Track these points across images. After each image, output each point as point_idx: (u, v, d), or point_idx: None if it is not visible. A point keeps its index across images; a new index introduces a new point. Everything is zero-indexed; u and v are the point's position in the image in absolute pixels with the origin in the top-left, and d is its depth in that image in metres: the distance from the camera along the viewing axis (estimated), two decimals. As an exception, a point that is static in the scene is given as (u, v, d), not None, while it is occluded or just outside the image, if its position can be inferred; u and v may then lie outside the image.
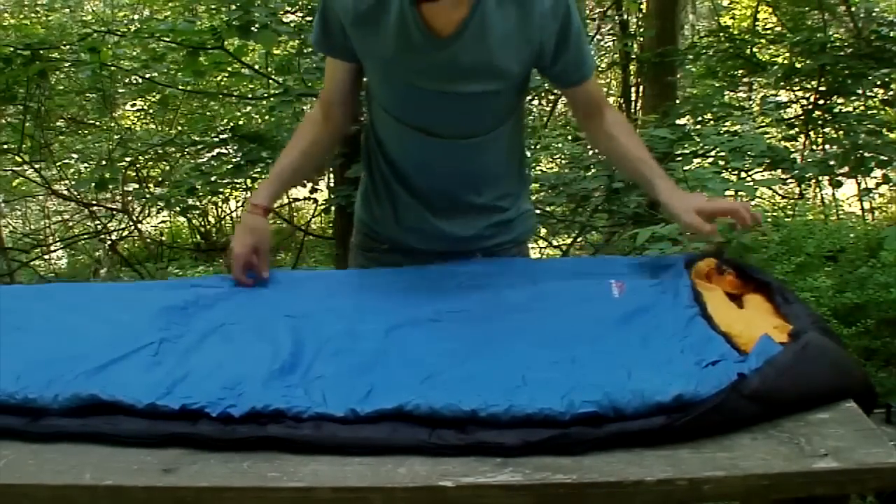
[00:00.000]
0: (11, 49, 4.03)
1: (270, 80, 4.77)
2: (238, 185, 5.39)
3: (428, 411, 1.07)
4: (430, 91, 1.52)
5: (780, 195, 5.10)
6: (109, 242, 5.50)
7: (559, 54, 1.52)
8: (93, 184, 4.65)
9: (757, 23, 6.69)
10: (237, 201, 6.32)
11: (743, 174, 3.91)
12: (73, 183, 5.49)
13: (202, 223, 7.10)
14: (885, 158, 3.90)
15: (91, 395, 1.12)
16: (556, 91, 4.39)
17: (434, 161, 1.62)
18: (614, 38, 7.22)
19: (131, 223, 5.56)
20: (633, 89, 6.87)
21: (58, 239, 6.18)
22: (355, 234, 1.84)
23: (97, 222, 5.54)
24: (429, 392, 1.10)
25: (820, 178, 4.19)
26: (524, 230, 1.79)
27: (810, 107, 4.66)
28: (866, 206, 4.60)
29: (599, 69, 8.55)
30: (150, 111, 6.47)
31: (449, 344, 1.28)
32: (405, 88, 1.54)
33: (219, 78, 5.26)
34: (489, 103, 1.56)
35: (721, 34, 5.94)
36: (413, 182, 1.66)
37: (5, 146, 5.06)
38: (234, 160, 4.57)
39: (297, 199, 5.72)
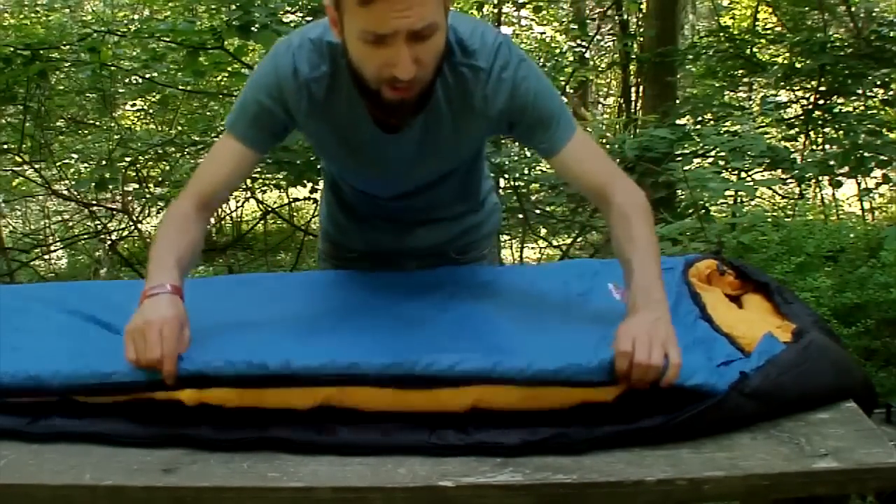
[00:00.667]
0: (11, 49, 4.02)
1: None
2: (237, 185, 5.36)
3: (424, 370, 1.06)
4: (385, 176, 1.49)
5: (780, 195, 5.09)
6: (109, 242, 5.48)
7: (514, 125, 1.39)
8: (93, 184, 4.63)
9: (757, 23, 6.68)
10: (237, 201, 6.31)
11: (743, 174, 3.90)
12: (73, 183, 5.47)
13: (202, 223, 7.07)
14: (885, 158, 3.89)
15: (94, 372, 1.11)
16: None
17: (398, 207, 1.60)
18: (614, 38, 7.21)
19: (131, 223, 5.54)
20: (633, 89, 6.86)
21: (58, 239, 6.16)
22: (321, 241, 1.79)
23: (97, 222, 5.52)
24: (425, 354, 1.09)
25: (820, 178, 4.18)
26: (493, 224, 1.78)
27: (810, 107, 4.65)
28: (866, 206, 4.58)
29: (599, 69, 8.55)
30: (150, 111, 6.46)
31: (444, 336, 1.28)
32: (356, 172, 1.53)
33: (219, 78, 5.25)
34: (445, 177, 1.53)
35: (721, 34, 5.92)
36: (379, 212, 1.63)
37: (5, 146, 5.05)
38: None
39: (297, 199, 5.71)
